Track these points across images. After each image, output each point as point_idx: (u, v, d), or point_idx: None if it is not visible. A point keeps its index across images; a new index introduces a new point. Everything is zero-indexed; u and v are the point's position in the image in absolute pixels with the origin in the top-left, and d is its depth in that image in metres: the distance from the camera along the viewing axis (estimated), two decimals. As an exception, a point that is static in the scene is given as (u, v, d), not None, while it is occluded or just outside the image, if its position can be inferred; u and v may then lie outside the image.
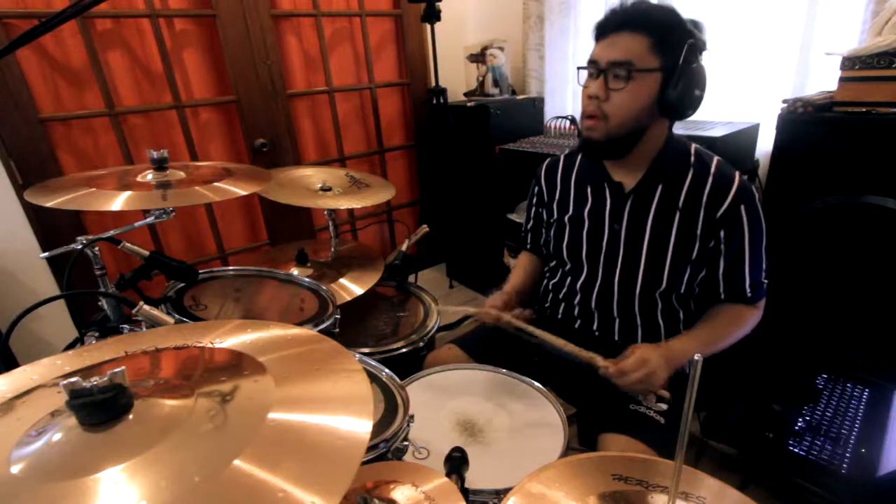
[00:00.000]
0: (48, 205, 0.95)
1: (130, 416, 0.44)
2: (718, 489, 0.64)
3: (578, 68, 1.02)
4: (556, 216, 1.19)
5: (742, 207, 0.97)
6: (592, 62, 0.97)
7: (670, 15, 0.93)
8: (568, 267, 1.17)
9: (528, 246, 1.32)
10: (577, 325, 1.18)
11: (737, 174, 1.00)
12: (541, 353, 1.16)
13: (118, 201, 0.97)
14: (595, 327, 1.14)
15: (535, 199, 1.26)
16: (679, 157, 1.03)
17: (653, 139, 1.01)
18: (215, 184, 1.09)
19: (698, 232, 1.00)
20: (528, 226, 1.31)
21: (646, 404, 1.00)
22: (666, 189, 1.02)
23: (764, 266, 1.04)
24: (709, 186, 0.99)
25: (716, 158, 1.02)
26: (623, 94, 0.94)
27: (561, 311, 1.21)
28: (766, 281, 1.05)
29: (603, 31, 0.96)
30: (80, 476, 0.38)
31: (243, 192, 1.09)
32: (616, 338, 1.12)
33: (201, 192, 1.07)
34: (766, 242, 1.02)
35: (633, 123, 0.97)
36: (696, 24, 0.96)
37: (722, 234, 0.99)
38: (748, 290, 1.03)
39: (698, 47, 0.93)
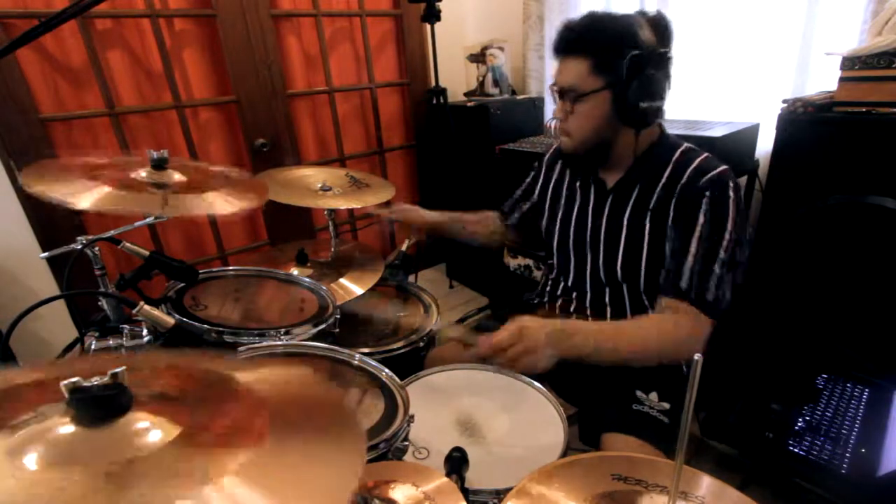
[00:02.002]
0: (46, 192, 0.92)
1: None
2: (718, 489, 0.64)
3: (550, 86, 1.05)
4: (548, 204, 1.22)
5: (706, 195, 0.92)
6: (553, 84, 1.01)
7: (610, 31, 0.92)
8: (561, 264, 1.20)
9: (504, 208, 1.41)
10: None
11: (720, 168, 0.95)
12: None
13: (118, 201, 0.97)
14: None
15: (532, 176, 1.32)
16: (662, 159, 1.02)
17: (625, 146, 1.01)
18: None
19: (668, 228, 0.99)
20: (515, 195, 1.38)
21: (648, 404, 0.99)
22: (642, 189, 1.03)
23: (722, 279, 0.90)
24: (683, 181, 0.97)
25: (703, 155, 0.99)
26: (576, 116, 0.99)
27: (558, 307, 1.22)
28: (725, 298, 0.92)
29: (555, 54, 1.00)
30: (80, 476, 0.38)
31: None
32: None
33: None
34: (739, 257, 0.92)
35: (595, 138, 1.00)
36: (657, 24, 0.94)
37: (672, 216, 0.95)
38: (688, 289, 0.92)
39: (644, 58, 0.90)
